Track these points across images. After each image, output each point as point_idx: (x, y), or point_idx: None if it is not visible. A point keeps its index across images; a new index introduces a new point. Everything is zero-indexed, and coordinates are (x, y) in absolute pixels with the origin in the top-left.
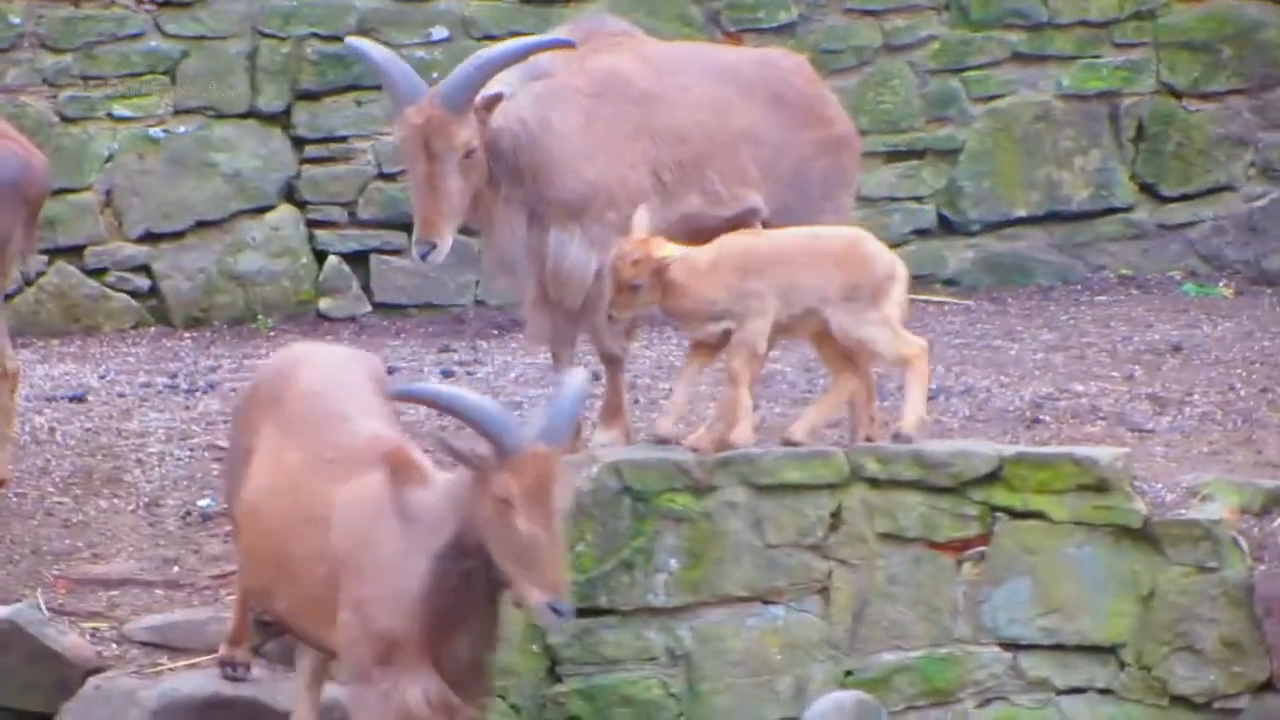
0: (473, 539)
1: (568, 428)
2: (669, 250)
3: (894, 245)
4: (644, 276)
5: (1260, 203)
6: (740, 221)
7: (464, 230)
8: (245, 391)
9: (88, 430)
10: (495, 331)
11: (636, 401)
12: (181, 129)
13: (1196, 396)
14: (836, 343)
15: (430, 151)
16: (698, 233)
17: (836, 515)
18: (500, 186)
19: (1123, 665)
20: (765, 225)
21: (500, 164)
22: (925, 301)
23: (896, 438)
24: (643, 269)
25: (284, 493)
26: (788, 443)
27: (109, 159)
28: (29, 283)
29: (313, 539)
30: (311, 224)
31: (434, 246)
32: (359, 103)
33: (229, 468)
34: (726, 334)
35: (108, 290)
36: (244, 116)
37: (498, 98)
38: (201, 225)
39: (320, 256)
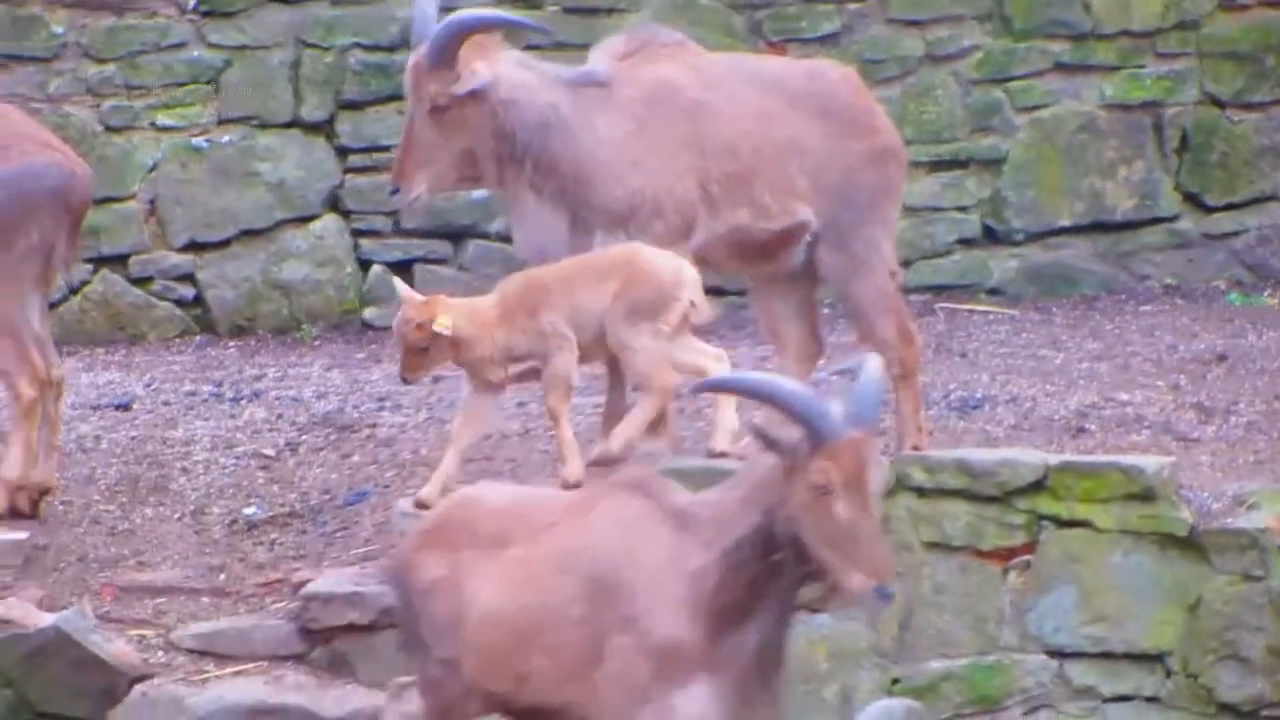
0: (783, 530)
1: (875, 411)
2: (449, 314)
3: (938, 255)
4: (428, 339)
5: None
6: (789, 235)
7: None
8: (410, 554)
9: (133, 438)
10: None
11: (681, 410)
12: (225, 138)
13: (1242, 405)
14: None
15: (411, 98)
16: (747, 246)
17: (883, 524)
18: (525, 170)
19: (1169, 673)
20: (814, 238)
21: (519, 144)
22: (970, 311)
23: (601, 454)
24: (426, 331)
25: (522, 574)
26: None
27: (152, 168)
28: (74, 291)
29: (565, 585)
30: (356, 233)
31: (398, 191)
32: (402, 112)
33: (421, 627)
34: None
35: (152, 299)
36: (287, 126)
37: (478, 77)
38: (246, 234)
39: (365, 265)
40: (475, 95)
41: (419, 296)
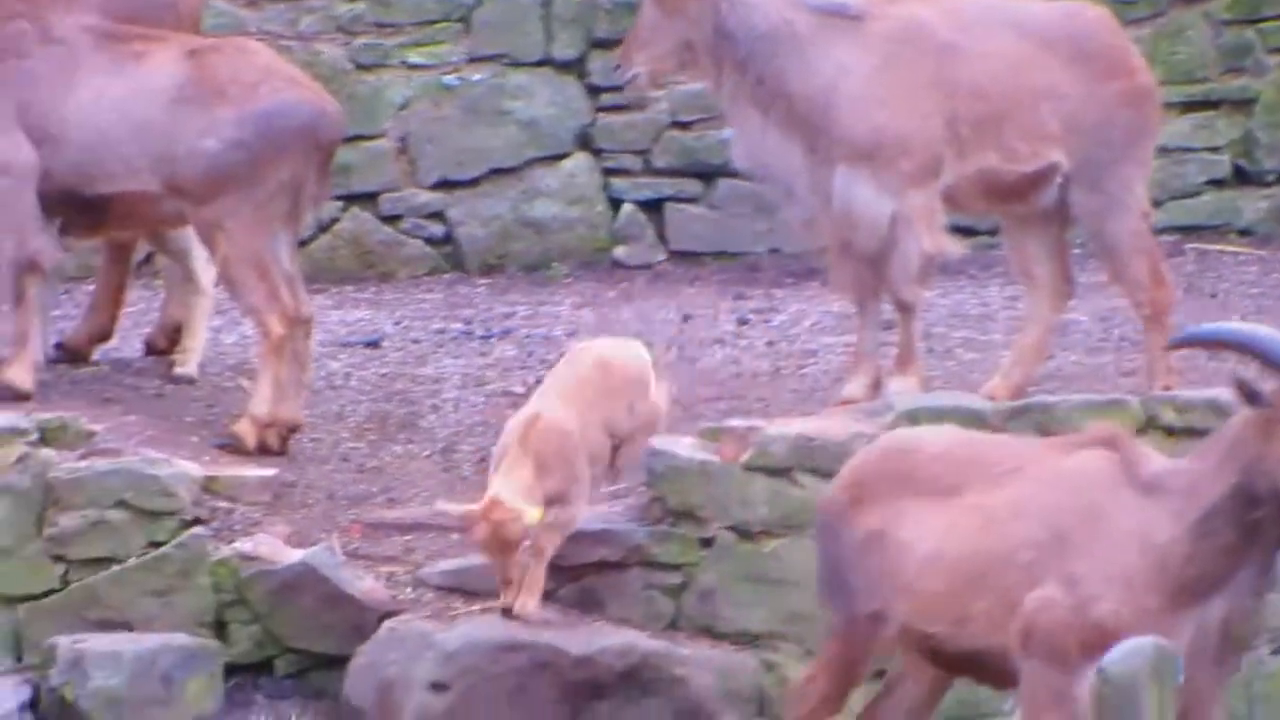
0: (1263, 485)
1: None
2: (513, 499)
3: (1188, 195)
4: (524, 531)
5: None
6: (1039, 177)
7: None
8: (841, 507)
9: (382, 376)
10: (790, 279)
11: (931, 350)
12: (476, 77)
13: None
14: None
15: None
16: (996, 188)
17: None
18: (747, 80)
19: None
20: (1066, 180)
21: (741, 48)
22: (1220, 251)
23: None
24: (521, 524)
25: (978, 520)
26: None
27: (403, 106)
28: (324, 229)
29: (1019, 530)
30: (606, 172)
31: (618, 68)
32: None
33: (850, 577)
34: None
35: (402, 237)
36: (538, 65)
37: None
38: (496, 173)
39: (615, 204)
40: None
41: (472, 506)
